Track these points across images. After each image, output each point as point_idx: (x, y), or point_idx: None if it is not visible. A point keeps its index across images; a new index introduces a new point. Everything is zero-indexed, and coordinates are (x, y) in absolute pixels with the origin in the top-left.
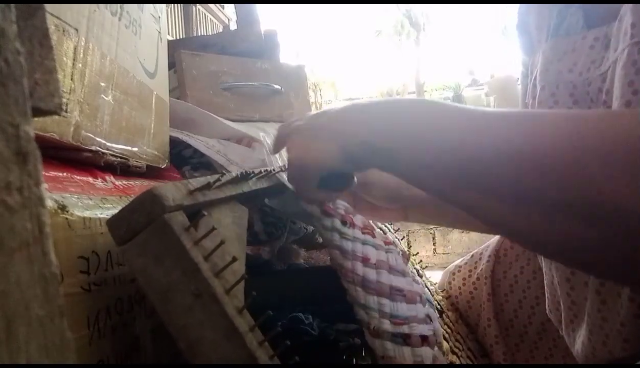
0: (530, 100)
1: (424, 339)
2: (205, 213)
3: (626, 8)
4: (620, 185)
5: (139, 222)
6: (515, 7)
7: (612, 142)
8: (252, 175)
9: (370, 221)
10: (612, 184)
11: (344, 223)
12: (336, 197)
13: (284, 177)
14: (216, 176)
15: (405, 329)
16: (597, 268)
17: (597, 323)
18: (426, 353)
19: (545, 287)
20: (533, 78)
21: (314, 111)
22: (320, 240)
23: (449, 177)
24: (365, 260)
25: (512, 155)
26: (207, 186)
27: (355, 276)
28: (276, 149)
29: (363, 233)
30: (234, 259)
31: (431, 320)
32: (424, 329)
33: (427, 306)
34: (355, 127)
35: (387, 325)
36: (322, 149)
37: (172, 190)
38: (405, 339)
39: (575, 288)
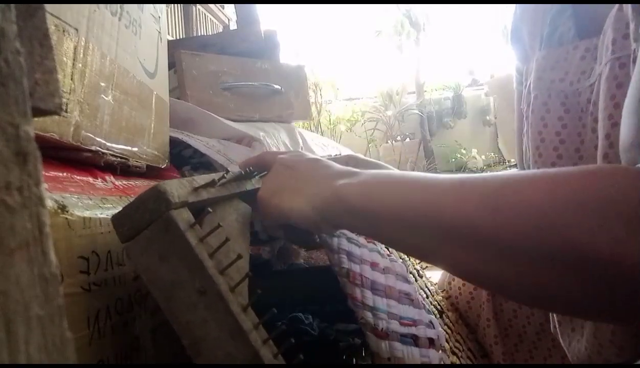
0: (524, 107)
1: (431, 342)
2: (210, 210)
3: (608, 23)
4: (594, 235)
5: (144, 218)
6: (514, 8)
7: (586, 195)
8: (256, 173)
9: None
10: (586, 234)
11: None
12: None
13: None
14: (221, 173)
15: (413, 330)
16: (588, 316)
17: (591, 332)
18: (433, 355)
19: None
20: (527, 85)
21: (297, 151)
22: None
23: (429, 235)
24: (374, 265)
25: (489, 212)
26: (212, 183)
27: (364, 279)
28: (245, 165)
29: (367, 240)
30: (239, 257)
31: (434, 327)
32: (430, 332)
33: (430, 314)
34: (334, 187)
35: (395, 325)
36: (294, 203)
37: (177, 187)
38: (415, 340)
39: None
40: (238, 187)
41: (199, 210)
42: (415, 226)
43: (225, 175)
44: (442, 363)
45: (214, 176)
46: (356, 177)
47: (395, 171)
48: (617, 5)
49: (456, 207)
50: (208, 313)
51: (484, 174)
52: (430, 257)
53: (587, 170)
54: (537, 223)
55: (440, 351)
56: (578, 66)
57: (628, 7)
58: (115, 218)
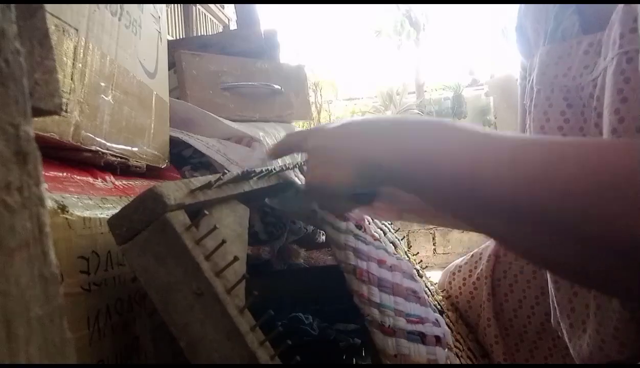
0: (527, 102)
1: (438, 339)
2: (207, 212)
3: (615, 17)
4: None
5: (140, 221)
6: (514, 8)
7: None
8: (253, 174)
9: (368, 222)
10: (628, 218)
11: (358, 227)
12: (359, 208)
13: (290, 176)
14: (217, 175)
15: (420, 328)
16: (629, 296)
17: (594, 327)
18: (440, 353)
19: (550, 298)
20: (531, 80)
21: (327, 123)
22: (320, 240)
23: (465, 203)
24: (381, 262)
25: (532, 184)
26: (208, 185)
27: (371, 276)
28: (277, 155)
29: (374, 238)
30: (235, 259)
31: (440, 325)
32: (437, 330)
33: (436, 312)
34: (370, 150)
35: (402, 322)
36: (339, 173)
37: (173, 189)
38: (422, 337)
39: (579, 294)
40: (236, 189)
41: (196, 212)
42: (455, 196)
43: (222, 176)
44: (448, 362)
45: (211, 178)
46: (389, 137)
47: (431, 122)
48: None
49: (500, 181)
50: (204, 315)
51: (525, 139)
52: (469, 224)
53: (627, 146)
54: (579, 209)
55: (446, 349)
56: (581, 61)
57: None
58: (112, 220)
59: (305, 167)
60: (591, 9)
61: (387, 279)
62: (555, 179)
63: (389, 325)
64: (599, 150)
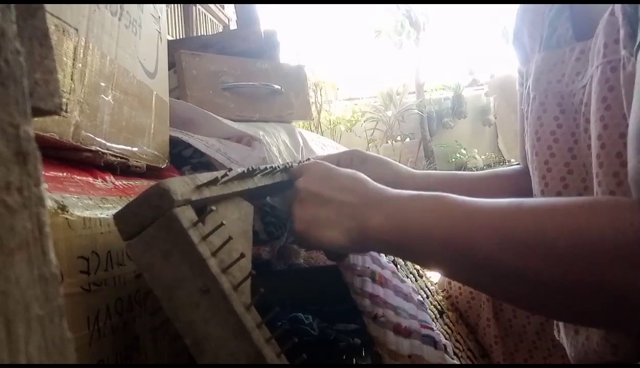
0: (525, 107)
1: (445, 348)
2: (214, 208)
3: (600, 27)
4: (627, 277)
5: (147, 216)
6: (514, 8)
7: (607, 235)
8: (258, 171)
9: None
10: (619, 276)
11: None
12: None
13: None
14: (223, 171)
15: (432, 333)
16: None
17: (587, 327)
18: (449, 360)
19: None
20: (527, 86)
21: (318, 162)
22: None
23: (459, 268)
24: (393, 272)
25: (517, 250)
26: (214, 181)
27: (388, 281)
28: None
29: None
30: (242, 255)
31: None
32: (443, 340)
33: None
34: (367, 221)
35: (417, 326)
36: (329, 235)
37: (180, 185)
38: (435, 343)
39: None
40: (240, 186)
41: (201, 209)
42: (446, 260)
43: (227, 173)
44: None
45: (217, 174)
46: (384, 206)
47: (422, 195)
48: (609, 10)
49: (486, 247)
50: (211, 312)
51: (507, 204)
52: (461, 282)
53: (601, 206)
54: (562, 262)
55: (454, 359)
56: (573, 67)
57: (619, 13)
58: (117, 216)
59: (294, 201)
60: (583, 16)
61: (400, 286)
62: (534, 245)
63: (405, 326)
64: (573, 212)
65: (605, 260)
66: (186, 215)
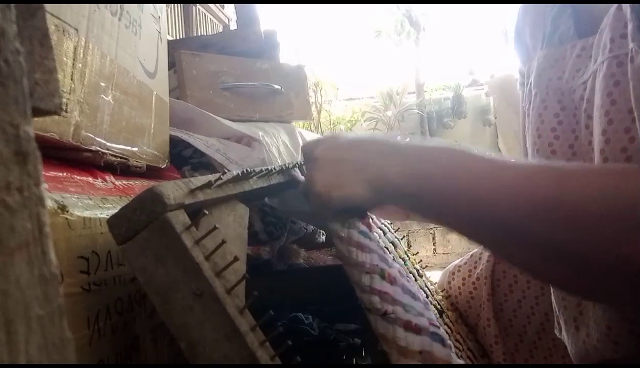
0: (527, 105)
1: (451, 347)
2: (207, 212)
3: (606, 22)
4: None
5: (140, 220)
6: (515, 8)
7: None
8: (253, 173)
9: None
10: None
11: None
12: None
13: (293, 174)
14: (217, 175)
15: (439, 331)
16: (625, 306)
17: (587, 326)
18: (456, 360)
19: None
20: (529, 83)
21: (336, 133)
22: (320, 240)
23: (479, 226)
24: (400, 271)
25: (543, 211)
26: (208, 185)
27: (397, 279)
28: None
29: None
30: (235, 259)
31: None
32: (448, 340)
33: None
34: (387, 168)
35: (426, 323)
36: (350, 189)
37: (173, 189)
38: (442, 341)
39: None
40: (235, 189)
41: (195, 212)
42: (465, 218)
43: (221, 176)
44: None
45: (211, 177)
46: (404, 158)
47: (443, 146)
48: (614, 5)
49: (511, 209)
50: (204, 315)
51: (531, 163)
52: (486, 246)
53: (630, 172)
54: (588, 235)
55: (461, 360)
56: (574, 64)
57: (627, 7)
58: (111, 220)
59: (307, 170)
60: (585, 14)
61: (407, 285)
62: (561, 205)
63: (416, 324)
64: (601, 176)
65: (632, 228)
66: (179, 219)
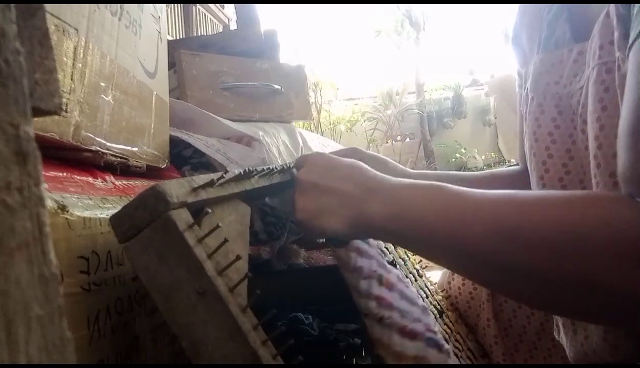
0: (524, 108)
1: (449, 353)
2: (209, 210)
3: (595, 29)
4: (609, 266)
5: (142, 219)
6: (515, 8)
7: (591, 228)
8: (255, 173)
9: None
10: (606, 270)
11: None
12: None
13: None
14: (219, 173)
15: (435, 337)
16: (601, 322)
17: (585, 330)
18: (454, 362)
19: None
20: (526, 87)
21: (321, 155)
22: (320, 240)
23: (454, 257)
24: (399, 277)
25: (506, 239)
26: (211, 183)
27: (394, 286)
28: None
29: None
30: (238, 257)
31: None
32: (446, 345)
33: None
34: (369, 206)
35: (421, 328)
36: (331, 222)
37: (176, 187)
38: (439, 347)
39: None
40: (237, 187)
41: (198, 211)
42: (439, 248)
43: (224, 175)
44: None
45: (213, 176)
46: (381, 195)
47: (421, 185)
48: (604, 12)
49: (480, 236)
50: (207, 314)
51: (500, 194)
52: (457, 272)
53: (591, 200)
54: (550, 254)
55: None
56: (571, 69)
57: (613, 15)
58: (113, 218)
59: (296, 192)
60: (581, 17)
61: (405, 291)
62: (521, 231)
63: (411, 329)
64: (561, 204)
65: (596, 255)
66: (182, 217)
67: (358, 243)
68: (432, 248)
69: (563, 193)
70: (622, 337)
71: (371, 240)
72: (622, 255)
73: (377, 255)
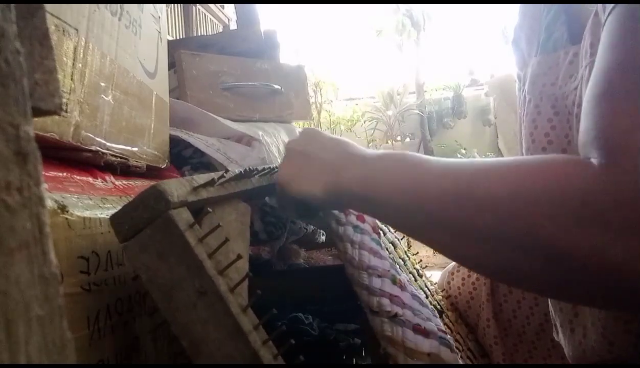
0: (522, 110)
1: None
2: (210, 209)
3: (587, 29)
4: (554, 225)
5: (143, 218)
6: (514, 8)
7: (541, 188)
8: (255, 172)
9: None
10: (549, 225)
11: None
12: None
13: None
14: (220, 173)
15: (447, 337)
16: (547, 294)
17: (583, 327)
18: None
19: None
20: (524, 90)
21: (314, 129)
22: (320, 240)
23: (415, 217)
24: (409, 280)
25: (460, 199)
26: (211, 182)
27: (406, 286)
28: None
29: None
30: (239, 257)
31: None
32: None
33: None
34: (342, 175)
35: (434, 328)
36: (308, 186)
37: (176, 187)
38: (450, 347)
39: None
40: (238, 187)
41: (198, 210)
42: (404, 210)
43: (224, 174)
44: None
45: (214, 175)
46: (358, 164)
47: (394, 155)
48: (594, 11)
49: (437, 196)
50: (207, 314)
51: (463, 162)
52: (419, 238)
53: (544, 163)
54: (499, 214)
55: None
56: (567, 70)
57: (601, 13)
58: (114, 217)
59: (283, 159)
60: (578, 19)
61: (415, 292)
62: (476, 194)
63: (424, 327)
64: (517, 167)
65: (539, 213)
66: (182, 217)
67: (371, 243)
68: (395, 211)
69: (522, 158)
70: (619, 333)
71: (382, 242)
72: (564, 212)
73: (389, 258)
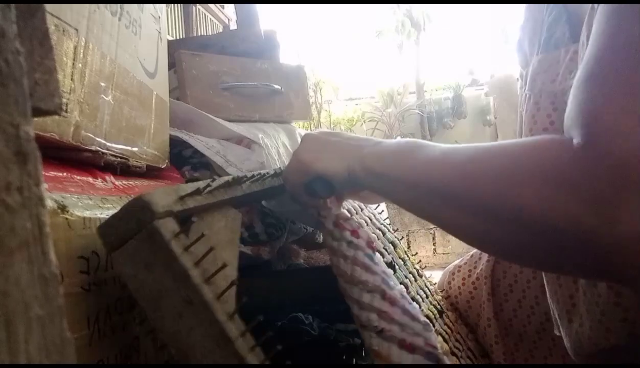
0: (522, 109)
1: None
2: (195, 219)
3: (585, 23)
4: (535, 196)
5: (129, 229)
6: (514, 8)
7: (529, 167)
8: (245, 179)
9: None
10: (530, 195)
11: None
12: (321, 201)
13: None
14: (206, 181)
15: (436, 352)
16: (552, 269)
17: (580, 316)
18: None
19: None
20: (525, 88)
21: (323, 130)
22: (320, 240)
23: (421, 194)
24: (402, 294)
25: (462, 178)
26: (197, 192)
27: (396, 301)
28: None
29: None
30: (224, 265)
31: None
32: (446, 360)
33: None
34: (362, 157)
35: (421, 343)
36: (331, 165)
37: (162, 197)
38: (438, 361)
39: (563, 285)
40: (227, 194)
41: (187, 219)
42: (413, 187)
43: (210, 183)
44: None
45: (200, 184)
46: (378, 146)
47: (412, 141)
48: (590, 6)
49: (441, 173)
50: (194, 322)
51: (465, 146)
52: (425, 213)
53: (532, 142)
54: (494, 188)
55: None
56: (567, 67)
57: (596, 7)
58: (101, 228)
59: (299, 146)
60: (580, 17)
61: (407, 307)
62: (476, 171)
63: (410, 342)
64: (513, 146)
65: (527, 184)
66: (168, 227)
67: (364, 259)
68: (406, 188)
69: (517, 140)
70: (617, 321)
71: (376, 258)
72: (543, 184)
73: (382, 273)
